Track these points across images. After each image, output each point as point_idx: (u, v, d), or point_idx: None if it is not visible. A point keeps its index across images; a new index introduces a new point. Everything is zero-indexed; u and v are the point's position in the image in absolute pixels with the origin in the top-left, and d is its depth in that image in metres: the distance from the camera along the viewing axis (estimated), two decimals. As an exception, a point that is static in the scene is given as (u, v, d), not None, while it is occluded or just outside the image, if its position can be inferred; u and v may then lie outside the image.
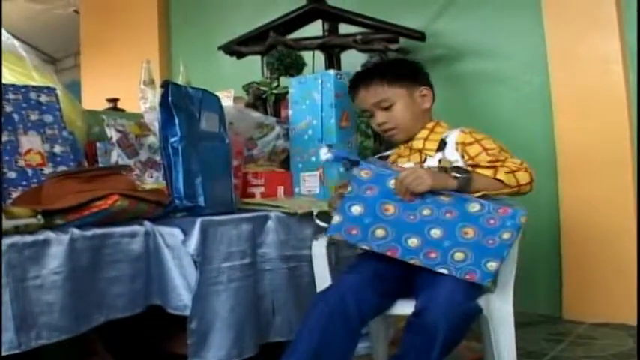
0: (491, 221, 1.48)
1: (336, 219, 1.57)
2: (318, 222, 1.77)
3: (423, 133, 1.81)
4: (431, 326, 1.38)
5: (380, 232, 1.53)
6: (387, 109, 1.80)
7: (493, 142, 1.69)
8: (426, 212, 1.51)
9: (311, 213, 1.82)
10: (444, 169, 1.59)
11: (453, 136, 1.74)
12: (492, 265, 1.48)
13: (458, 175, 1.53)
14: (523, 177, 1.56)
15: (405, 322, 1.50)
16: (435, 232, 1.51)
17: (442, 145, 1.75)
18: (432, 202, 1.51)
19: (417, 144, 1.80)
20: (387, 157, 1.90)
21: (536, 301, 2.66)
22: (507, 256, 1.50)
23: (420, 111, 1.82)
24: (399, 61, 1.89)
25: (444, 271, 1.50)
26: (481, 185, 1.53)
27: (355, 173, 1.56)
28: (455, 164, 1.62)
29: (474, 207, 1.50)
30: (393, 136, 1.83)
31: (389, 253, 1.53)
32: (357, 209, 1.54)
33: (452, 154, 1.70)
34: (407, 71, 1.85)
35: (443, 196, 1.51)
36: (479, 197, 1.52)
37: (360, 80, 1.86)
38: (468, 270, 1.48)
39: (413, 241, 1.51)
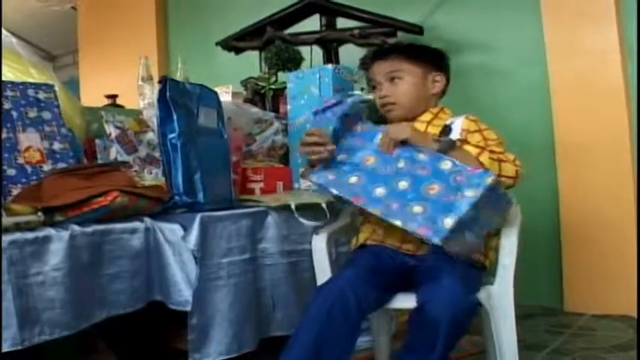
0: (458, 178, 1.47)
1: (319, 166, 1.64)
2: (298, 217, 1.78)
3: (427, 116, 1.78)
4: (433, 321, 1.38)
5: (353, 179, 1.57)
6: (393, 81, 1.78)
7: (495, 133, 1.69)
8: (400, 165, 1.54)
9: (299, 206, 1.81)
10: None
11: (459, 122, 1.72)
12: (448, 221, 1.42)
13: (440, 139, 1.58)
14: (507, 169, 1.56)
15: (407, 317, 1.50)
16: (403, 184, 1.51)
17: (447, 131, 1.73)
18: (409, 158, 1.54)
19: (419, 126, 1.75)
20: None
21: (536, 293, 2.67)
22: (466, 214, 1.43)
23: (426, 95, 1.80)
24: (423, 45, 1.88)
25: (397, 223, 1.47)
26: (460, 158, 1.53)
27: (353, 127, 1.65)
28: None
29: (446, 164, 1.50)
30: (389, 111, 1.80)
31: (352, 199, 1.55)
32: (342, 157, 1.61)
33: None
34: (428, 53, 1.84)
35: (421, 154, 1.54)
36: None
37: (381, 53, 1.87)
38: (423, 224, 1.44)
39: (379, 191, 1.52)
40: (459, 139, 1.64)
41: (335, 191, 1.58)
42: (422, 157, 1.53)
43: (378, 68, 1.82)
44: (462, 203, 1.44)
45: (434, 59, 1.83)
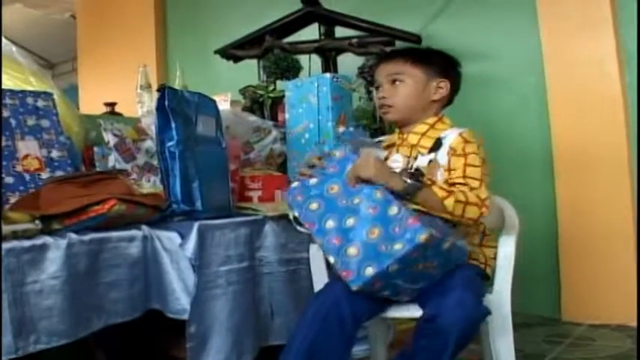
0: (396, 229, 1.42)
1: (296, 184, 1.64)
2: (295, 226, 1.78)
3: (422, 128, 1.72)
4: (444, 332, 1.37)
5: (313, 206, 1.57)
6: (394, 84, 1.74)
7: (480, 160, 1.61)
8: (355, 201, 1.53)
9: (287, 216, 1.81)
10: (405, 170, 1.60)
11: (450, 139, 1.65)
12: (369, 270, 1.42)
13: (408, 181, 1.52)
14: (472, 212, 1.52)
15: (406, 325, 1.50)
16: (350, 222, 1.50)
17: (437, 145, 1.67)
18: (367, 195, 1.52)
19: (412, 138, 1.72)
20: (380, 142, 1.84)
21: (534, 302, 2.66)
22: (389, 268, 1.40)
23: (426, 101, 1.74)
24: (433, 49, 1.85)
25: (331, 259, 1.49)
26: (425, 201, 1.52)
27: (333, 151, 1.65)
28: (440, 168, 1.61)
29: (393, 210, 1.46)
30: (386, 113, 1.77)
31: (307, 226, 1.56)
32: (313, 181, 1.61)
33: (443, 158, 1.64)
34: (435, 58, 1.79)
35: (378, 192, 1.50)
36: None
37: (387, 54, 1.86)
38: (348, 268, 1.45)
39: (329, 223, 1.53)
40: (429, 179, 1.58)
41: (296, 213, 1.60)
42: (379, 196, 1.50)
43: (382, 68, 1.79)
44: (387, 256, 1.41)
45: (441, 65, 1.77)
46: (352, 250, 1.46)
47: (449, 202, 1.50)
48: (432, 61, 1.77)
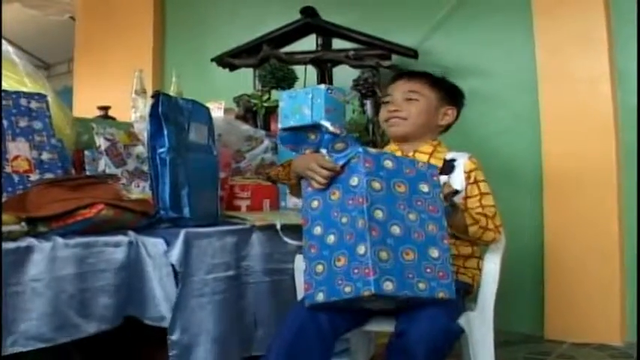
0: (356, 270, 1.34)
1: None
2: (283, 237, 1.79)
3: (427, 148, 1.80)
4: (412, 348, 1.38)
5: (314, 204, 1.48)
6: (409, 100, 1.79)
7: (490, 187, 1.74)
8: (343, 219, 1.41)
9: (274, 226, 1.82)
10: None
11: (462, 163, 1.75)
12: (320, 296, 1.39)
13: (453, 201, 1.61)
14: (488, 236, 1.68)
15: (386, 339, 1.50)
16: (330, 238, 1.42)
17: (449, 168, 1.75)
18: (353, 219, 1.39)
19: (421, 157, 1.75)
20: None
21: (518, 320, 2.67)
22: (337, 302, 1.38)
23: (433, 124, 1.82)
24: (445, 78, 1.89)
25: (303, 264, 1.47)
26: (455, 223, 1.63)
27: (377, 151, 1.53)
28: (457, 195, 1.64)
29: (360, 249, 1.35)
30: (394, 124, 1.81)
31: (302, 222, 1.50)
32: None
33: (459, 182, 1.71)
34: (447, 85, 1.87)
35: (361, 220, 1.37)
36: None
37: (406, 73, 1.90)
38: (310, 282, 1.42)
39: (317, 230, 1.45)
40: (462, 203, 1.69)
41: (302, 204, 1.53)
42: (360, 224, 1.37)
43: (399, 86, 1.84)
44: (336, 292, 1.37)
45: (452, 93, 1.87)
46: (319, 268, 1.41)
47: (472, 230, 1.65)
48: (445, 88, 1.85)
